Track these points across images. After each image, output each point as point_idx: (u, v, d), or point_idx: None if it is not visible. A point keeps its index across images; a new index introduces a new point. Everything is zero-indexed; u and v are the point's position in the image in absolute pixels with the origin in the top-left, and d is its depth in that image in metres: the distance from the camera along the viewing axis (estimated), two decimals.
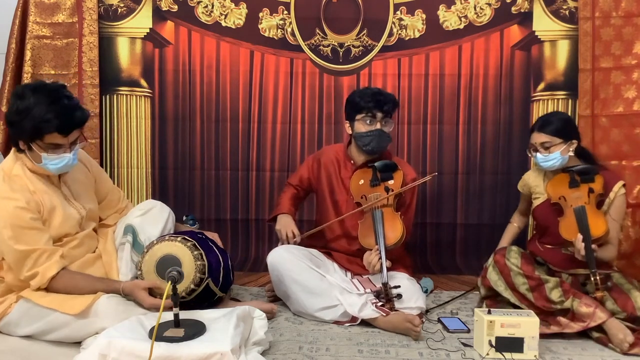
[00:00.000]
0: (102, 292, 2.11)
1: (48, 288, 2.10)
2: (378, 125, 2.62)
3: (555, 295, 2.37)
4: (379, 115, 2.61)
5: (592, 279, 2.30)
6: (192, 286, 2.18)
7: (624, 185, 2.50)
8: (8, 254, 2.08)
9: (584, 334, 2.34)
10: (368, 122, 2.62)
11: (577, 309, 2.32)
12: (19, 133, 2.09)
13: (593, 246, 2.32)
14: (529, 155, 2.57)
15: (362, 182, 2.68)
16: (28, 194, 2.10)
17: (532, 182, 2.68)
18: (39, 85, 2.14)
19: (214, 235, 2.46)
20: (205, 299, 2.25)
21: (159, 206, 2.46)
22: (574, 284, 2.47)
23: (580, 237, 2.33)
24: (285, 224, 2.71)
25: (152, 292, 2.16)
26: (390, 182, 2.65)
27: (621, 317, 2.29)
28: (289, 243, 2.66)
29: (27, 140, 2.09)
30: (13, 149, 2.19)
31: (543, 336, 2.24)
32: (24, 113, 2.03)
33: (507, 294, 2.45)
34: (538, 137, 2.50)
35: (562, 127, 2.49)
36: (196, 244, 2.23)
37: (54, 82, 2.23)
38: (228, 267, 2.39)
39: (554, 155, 2.47)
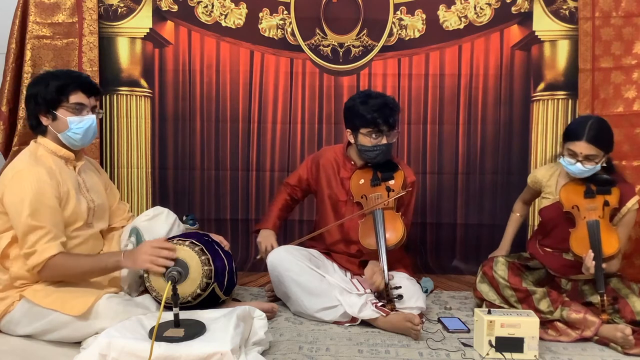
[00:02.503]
0: (97, 291, 2.12)
1: (43, 269, 2.07)
2: (384, 140, 2.58)
3: (543, 305, 2.36)
4: (385, 129, 2.57)
5: (600, 300, 2.27)
6: (199, 291, 2.18)
7: (638, 201, 2.43)
8: (19, 224, 2.07)
9: None
10: (374, 136, 2.57)
11: (567, 317, 2.32)
12: (43, 102, 2.18)
13: (603, 265, 2.28)
14: (562, 160, 2.41)
15: (362, 181, 2.68)
16: (51, 171, 2.16)
17: (544, 180, 2.59)
18: (42, 73, 2.34)
19: (219, 238, 2.46)
20: (210, 302, 2.25)
21: (165, 212, 2.48)
22: (573, 290, 2.46)
23: (590, 254, 2.28)
24: (265, 238, 2.74)
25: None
26: (391, 182, 2.64)
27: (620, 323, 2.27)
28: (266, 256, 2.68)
29: (51, 107, 2.18)
30: (32, 141, 2.27)
31: (542, 338, 2.24)
32: (46, 80, 2.20)
33: (498, 302, 2.45)
34: (586, 149, 2.33)
35: (609, 140, 2.39)
36: (204, 248, 2.23)
37: None
38: (232, 270, 2.40)
39: (595, 167, 2.37)
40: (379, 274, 2.44)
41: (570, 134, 2.40)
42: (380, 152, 2.60)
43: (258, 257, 2.77)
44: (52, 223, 2.09)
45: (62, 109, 2.20)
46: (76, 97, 2.20)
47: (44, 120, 2.21)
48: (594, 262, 2.27)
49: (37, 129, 2.25)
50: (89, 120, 2.23)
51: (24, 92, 3.05)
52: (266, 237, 2.74)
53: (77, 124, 2.20)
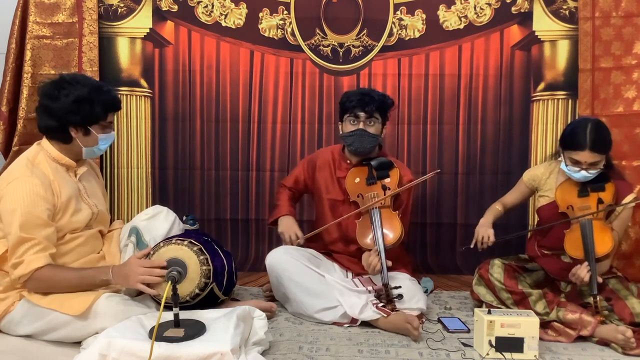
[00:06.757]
0: (96, 291, 2.11)
1: (29, 280, 2.06)
2: (361, 125, 2.61)
3: (539, 307, 2.36)
4: (362, 115, 2.60)
5: (593, 302, 2.26)
6: (197, 291, 2.18)
7: (635, 197, 2.43)
8: (10, 235, 2.07)
9: None
10: (352, 122, 2.63)
11: (563, 317, 2.32)
12: (81, 120, 2.17)
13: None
14: (565, 168, 2.40)
15: (357, 180, 2.68)
16: (47, 181, 2.14)
17: (544, 178, 2.60)
18: (68, 77, 2.23)
19: None
20: (209, 302, 2.26)
21: (165, 211, 2.49)
22: (572, 291, 2.45)
23: (585, 267, 2.27)
24: (288, 227, 2.72)
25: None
26: (387, 180, 2.64)
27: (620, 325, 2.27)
28: (292, 245, 2.66)
29: (88, 123, 2.19)
30: (35, 144, 2.25)
31: (542, 338, 2.25)
32: (88, 99, 2.15)
33: (496, 304, 2.45)
34: (590, 157, 2.32)
35: (610, 142, 2.39)
36: (202, 248, 2.23)
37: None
38: (232, 270, 2.40)
39: (599, 171, 2.37)
40: (374, 255, 2.44)
41: (571, 143, 2.37)
42: (356, 137, 2.62)
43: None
44: (43, 235, 2.08)
45: (97, 126, 2.22)
46: (111, 117, 2.27)
47: (74, 132, 2.19)
48: (588, 274, 2.26)
49: (58, 136, 2.20)
50: (112, 136, 2.31)
51: (24, 92, 3.08)
52: (288, 225, 2.72)
53: (104, 141, 2.27)
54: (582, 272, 2.27)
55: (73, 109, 2.15)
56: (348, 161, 2.76)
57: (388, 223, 2.55)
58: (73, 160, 2.25)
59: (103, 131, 2.24)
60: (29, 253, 2.05)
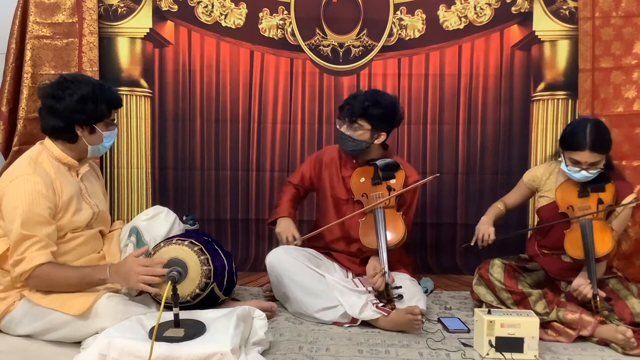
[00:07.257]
0: (96, 291, 2.11)
1: (30, 277, 2.05)
2: (343, 128, 2.64)
3: (539, 307, 2.36)
4: (346, 118, 2.64)
5: (592, 302, 2.27)
6: (198, 291, 2.19)
7: (635, 198, 2.43)
8: (11, 232, 2.07)
9: None
10: (341, 123, 2.67)
11: (563, 317, 2.32)
12: (92, 117, 2.19)
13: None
14: (566, 168, 2.40)
15: (363, 179, 2.68)
16: (49, 180, 2.14)
17: (544, 178, 2.59)
18: (69, 76, 2.24)
19: None
20: (209, 302, 2.26)
21: (165, 212, 2.49)
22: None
23: (588, 285, 2.26)
24: (286, 228, 2.72)
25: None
26: (392, 181, 2.65)
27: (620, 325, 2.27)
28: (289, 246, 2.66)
29: (93, 121, 2.20)
30: (37, 143, 2.26)
31: (542, 338, 2.25)
32: (92, 97, 2.17)
33: (496, 303, 2.45)
34: (591, 157, 2.33)
35: (610, 142, 2.39)
36: (203, 248, 2.24)
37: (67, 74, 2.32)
38: (232, 270, 2.41)
39: (599, 170, 2.38)
40: (379, 276, 2.44)
41: (571, 143, 2.38)
42: (338, 138, 2.70)
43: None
44: (44, 233, 2.08)
45: (102, 123, 2.23)
46: (114, 114, 2.29)
47: (80, 131, 2.20)
48: (591, 291, 2.26)
49: (63, 136, 2.21)
50: (115, 133, 2.32)
51: (24, 92, 3.08)
52: (286, 227, 2.72)
53: (108, 138, 2.28)
54: (586, 289, 2.28)
55: (78, 108, 2.16)
56: (354, 160, 2.76)
57: (391, 223, 2.56)
58: (75, 160, 2.26)
59: (107, 129, 2.26)
60: (30, 250, 2.05)
